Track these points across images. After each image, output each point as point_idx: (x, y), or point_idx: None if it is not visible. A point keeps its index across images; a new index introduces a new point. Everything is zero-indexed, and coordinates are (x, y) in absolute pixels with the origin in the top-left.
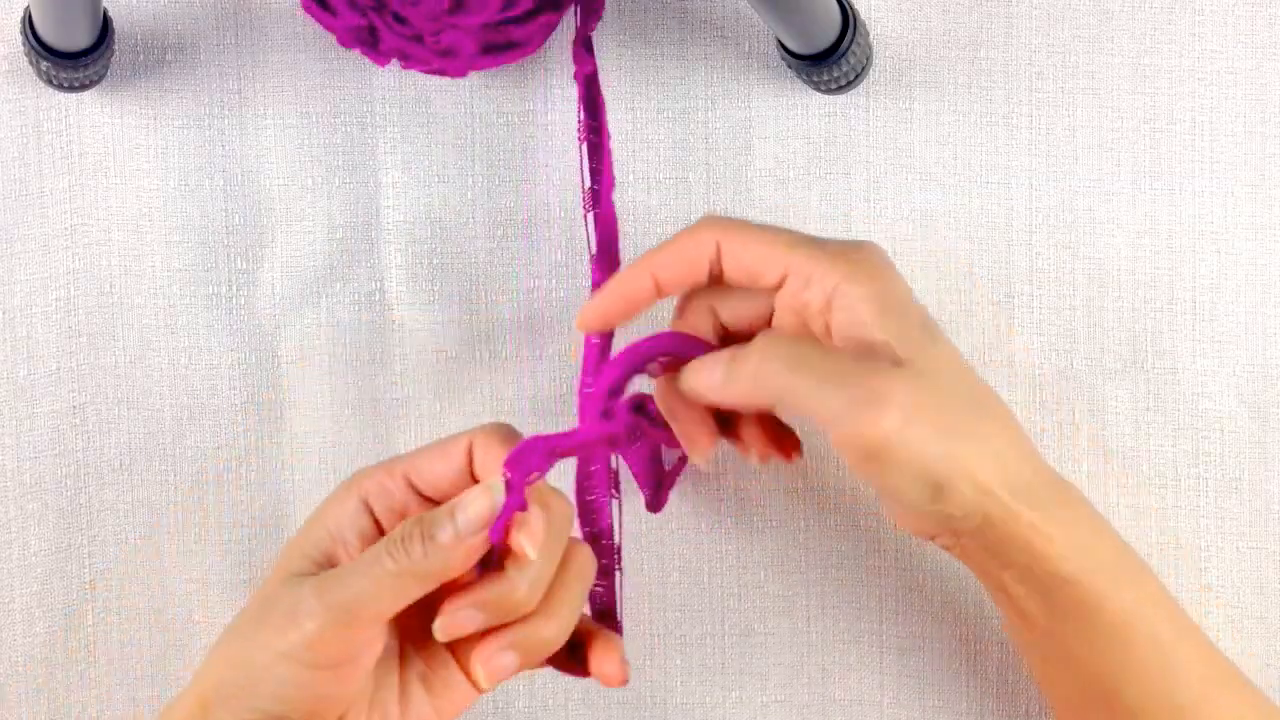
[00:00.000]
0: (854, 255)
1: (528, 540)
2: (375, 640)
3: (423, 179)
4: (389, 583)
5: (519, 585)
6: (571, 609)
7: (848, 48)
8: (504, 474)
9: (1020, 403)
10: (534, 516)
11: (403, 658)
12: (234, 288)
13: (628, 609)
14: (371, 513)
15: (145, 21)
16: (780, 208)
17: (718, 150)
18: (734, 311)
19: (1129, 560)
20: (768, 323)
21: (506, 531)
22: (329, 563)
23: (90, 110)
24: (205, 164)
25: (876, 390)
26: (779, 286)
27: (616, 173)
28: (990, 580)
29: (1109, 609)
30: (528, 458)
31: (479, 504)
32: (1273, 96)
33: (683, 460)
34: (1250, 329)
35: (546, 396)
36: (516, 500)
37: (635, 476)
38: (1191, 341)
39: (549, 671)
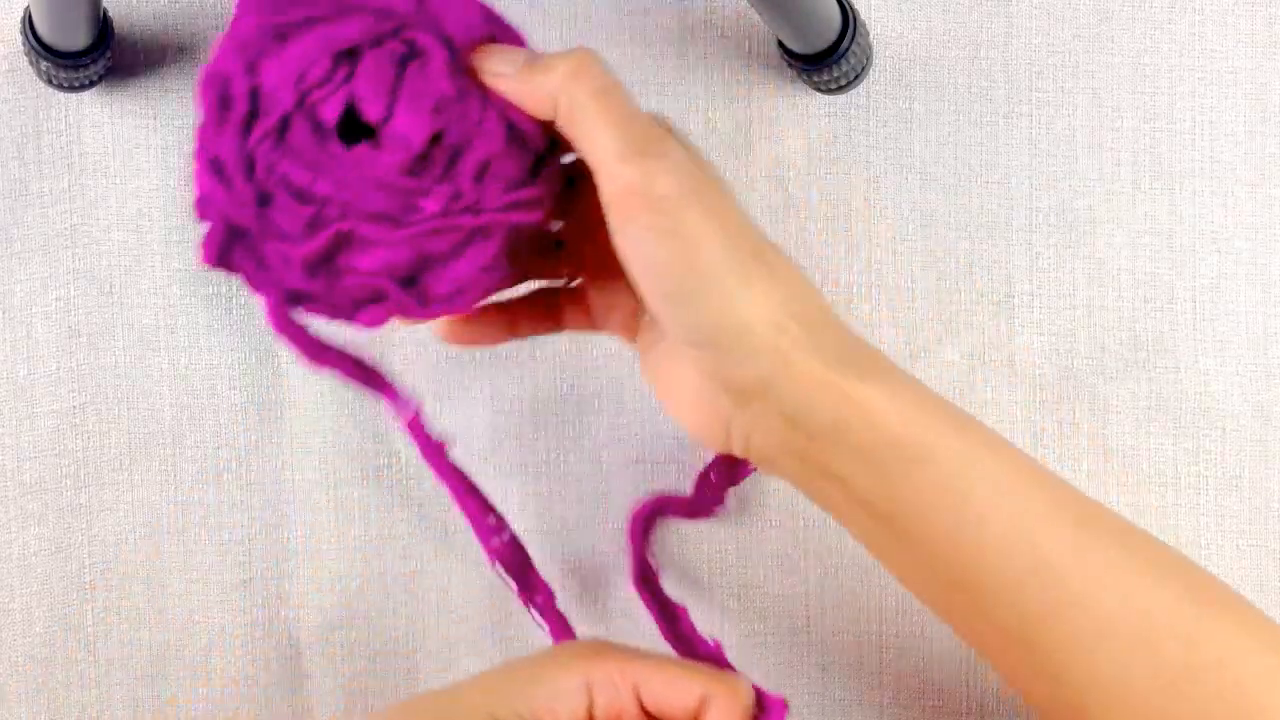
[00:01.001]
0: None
1: None
2: None
3: None
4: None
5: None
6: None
7: (848, 48)
8: None
9: (1020, 403)
10: None
11: None
12: (234, 288)
13: (626, 608)
14: (590, 696)
15: (145, 21)
16: (780, 208)
17: (718, 150)
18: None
19: (951, 411)
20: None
21: None
22: None
23: (90, 110)
24: None
25: (660, 145)
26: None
27: None
28: (815, 476)
29: (940, 459)
30: None
31: None
32: (1273, 96)
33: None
34: (1250, 328)
35: (546, 397)
36: None
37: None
38: (1192, 341)
39: None
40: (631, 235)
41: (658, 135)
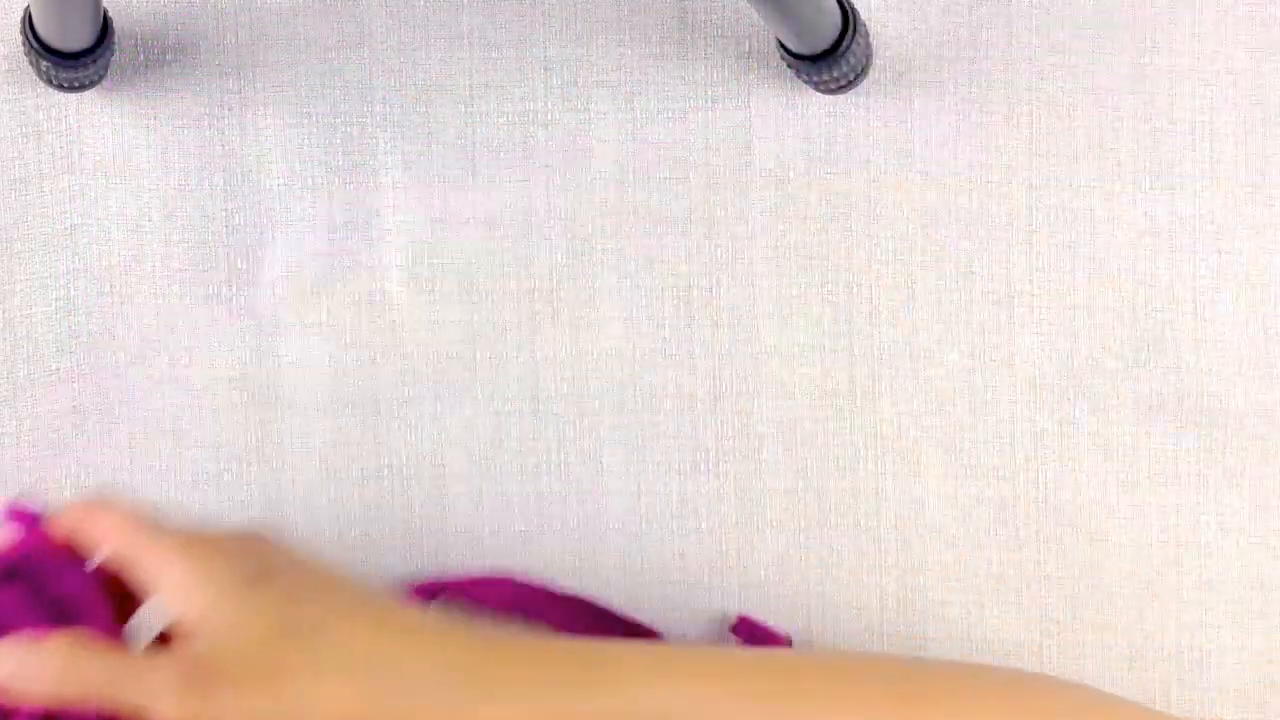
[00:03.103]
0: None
1: None
2: None
3: (423, 179)
4: None
5: None
6: None
7: (848, 48)
8: None
9: (1020, 402)
10: None
11: None
12: (234, 288)
13: (625, 608)
14: None
15: (145, 21)
16: (780, 208)
17: (718, 150)
18: None
19: None
20: None
21: None
22: None
23: (90, 110)
24: (205, 164)
25: (151, 685)
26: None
27: (616, 172)
28: None
29: None
30: None
31: None
32: (1273, 96)
33: None
34: (1250, 328)
35: (547, 397)
36: None
37: None
38: (1192, 341)
39: None
40: None
41: (149, 668)
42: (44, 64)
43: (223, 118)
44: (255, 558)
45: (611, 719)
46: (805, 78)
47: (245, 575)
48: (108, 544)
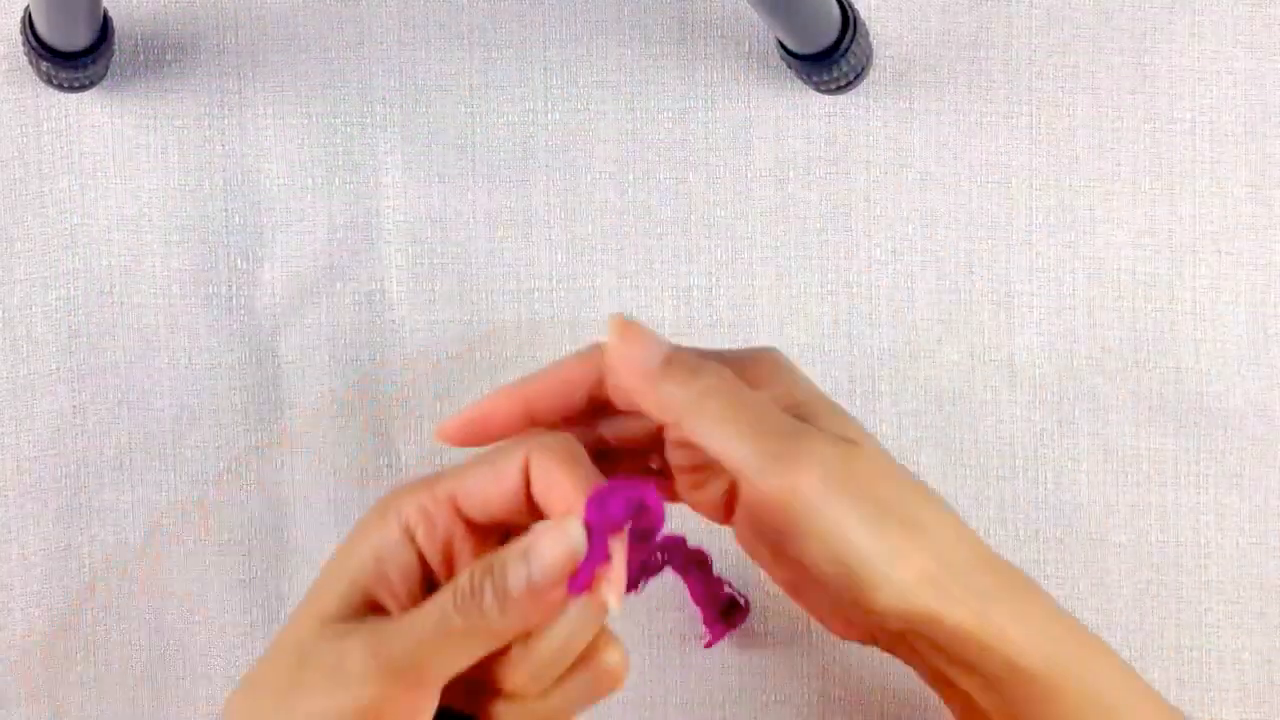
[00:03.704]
0: (754, 358)
1: (612, 591)
2: (435, 697)
3: (423, 179)
4: (457, 641)
5: (542, 652)
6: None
7: (848, 48)
8: (584, 520)
9: (1020, 402)
10: (616, 566)
11: None
12: (234, 288)
13: (625, 608)
14: (414, 543)
15: (145, 21)
16: (780, 208)
17: (718, 150)
18: (619, 430)
19: (1082, 642)
20: (655, 440)
21: (590, 585)
22: (369, 606)
23: (90, 110)
24: (205, 164)
25: (796, 445)
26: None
27: (616, 171)
28: (936, 677)
29: (1068, 695)
30: (611, 504)
31: (557, 550)
32: (1273, 96)
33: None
34: (1251, 328)
35: None
36: (600, 550)
37: (698, 604)
38: (1192, 341)
39: None
40: (773, 550)
41: (789, 434)
42: (44, 64)
43: (223, 118)
44: None
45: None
46: (805, 78)
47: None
48: None
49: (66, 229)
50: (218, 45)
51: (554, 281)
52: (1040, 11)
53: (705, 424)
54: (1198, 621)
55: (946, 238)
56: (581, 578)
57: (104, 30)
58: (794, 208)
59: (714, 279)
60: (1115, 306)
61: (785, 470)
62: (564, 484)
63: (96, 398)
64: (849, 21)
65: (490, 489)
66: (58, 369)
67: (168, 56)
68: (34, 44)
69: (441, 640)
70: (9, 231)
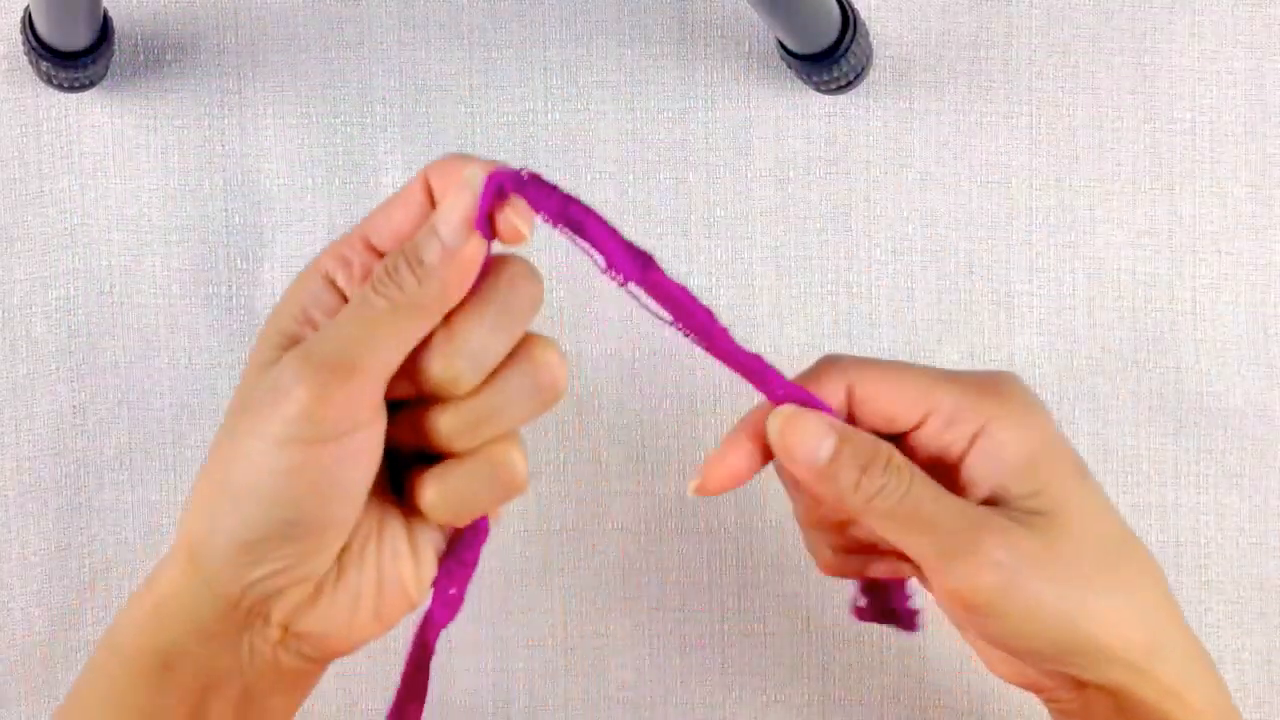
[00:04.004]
0: (1002, 390)
1: (519, 219)
2: (376, 400)
3: None
4: (383, 324)
5: (433, 359)
6: (500, 402)
7: (848, 48)
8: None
9: None
10: (518, 202)
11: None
12: (234, 288)
13: (625, 608)
14: (336, 287)
15: (145, 21)
16: (780, 208)
17: (718, 150)
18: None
19: (1228, 705)
20: None
21: (493, 223)
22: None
23: (90, 110)
24: (205, 164)
25: (974, 541)
26: (917, 428)
27: (616, 171)
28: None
29: None
30: (505, 175)
31: (460, 202)
32: (1273, 96)
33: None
34: (1250, 328)
35: None
36: (496, 182)
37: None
38: (1192, 341)
39: (550, 672)
40: (974, 630)
41: (966, 529)
42: (44, 64)
43: (223, 118)
44: None
45: None
46: (805, 78)
47: None
48: None
49: (66, 229)
50: (218, 45)
51: (553, 281)
52: (1040, 11)
53: (880, 522)
54: (1198, 621)
55: (946, 238)
56: (481, 217)
57: (104, 30)
58: (794, 208)
59: (714, 279)
60: (1115, 306)
61: (966, 568)
62: (459, 171)
63: (96, 398)
64: (849, 21)
65: (398, 215)
66: (58, 369)
67: (168, 56)
68: (34, 44)
69: (365, 327)
70: (9, 231)
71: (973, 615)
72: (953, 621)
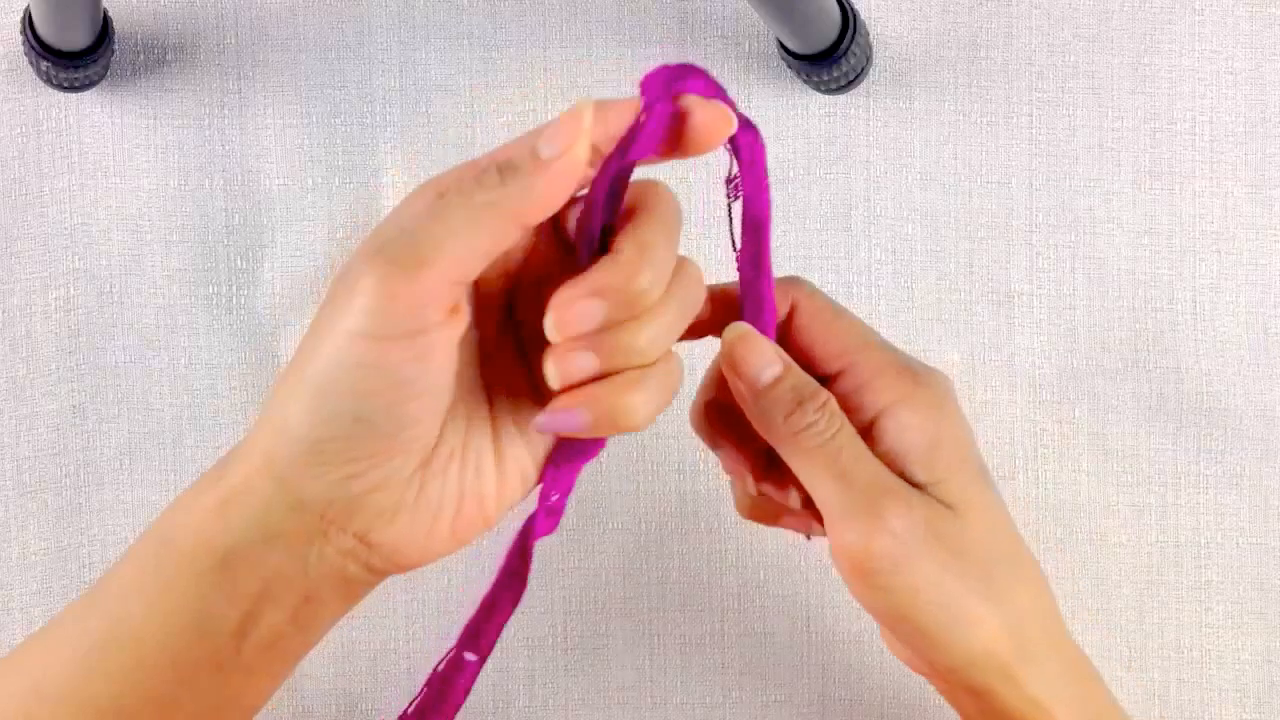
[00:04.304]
0: (923, 380)
1: (719, 118)
2: (448, 301)
3: (422, 179)
4: (460, 223)
5: (641, 270)
6: (677, 316)
7: (848, 48)
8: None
9: (1020, 402)
10: (714, 105)
11: (493, 409)
12: (234, 288)
13: (625, 608)
14: None
15: (145, 21)
16: (780, 208)
17: (718, 150)
18: None
19: None
20: None
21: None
22: None
23: (90, 110)
24: (205, 164)
25: (879, 504)
26: (834, 378)
27: None
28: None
29: None
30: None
31: (564, 126)
32: (1273, 96)
33: None
34: (1250, 328)
35: None
36: (657, 100)
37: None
38: (1192, 341)
39: (548, 671)
40: (854, 590)
41: (878, 491)
42: (44, 64)
43: (223, 118)
44: None
45: None
46: (805, 78)
47: None
48: None
49: (66, 229)
50: (218, 45)
51: None
52: (1040, 12)
53: (799, 460)
54: (1198, 622)
55: (946, 238)
56: (639, 138)
57: (104, 30)
58: (794, 208)
59: (714, 279)
60: (1115, 306)
61: (864, 527)
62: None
63: (96, 398)
64: (849, 21)
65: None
66: (58, 369)
67: (168, 56)
68: (34, 44)
69: (441, 223)
70: (9, 231)
71: (858, 579)
72: (848, 586)
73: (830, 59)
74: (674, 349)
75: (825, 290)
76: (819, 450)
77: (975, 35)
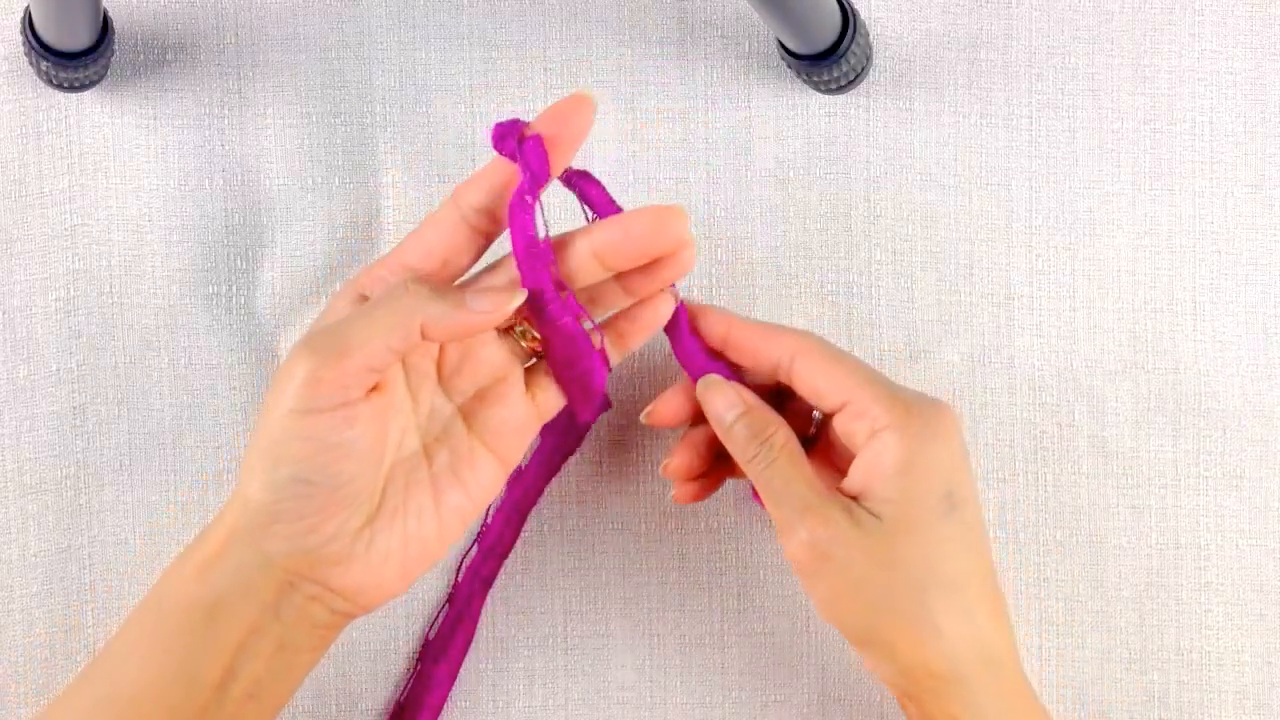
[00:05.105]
0: (916, 411)
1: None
2: (368, 380)
3: (423, 179)
4: (378, 327)
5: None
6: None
7: (848, 48)
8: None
9: (1020, 403)
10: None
11: (432, 465)
12: (234, 288)
13: (625, 608)
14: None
15: (145, 21)
16: (780, 208)
17: (718, 150)
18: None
19: None
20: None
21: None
22: None
23: (90, 110)
24: (205, 164)
25: (794, 522)
26: (838, 411)
27: (616, 171)
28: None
29: None
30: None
31: (498, 298)
32: (1273, 97)
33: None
34: (1250, 328)
35: None
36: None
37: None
38: (1192, 342)
39: (548, 671)
40: (805, 585)
41: (801, 507)
42: (44, 64)
43: (223, 118)
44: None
45: None
46: (805, 78)
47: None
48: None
49: (66, 229)
50: (218, 45)
51: None
52: (1040, 12)
53: (752, 479)
54: (1197, 623)
55: (946, 238)
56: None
57: (104, 30)
58: (794, 208)
59: (714, 279)
60: (1115, 307)
61: (786, 540)
62: (487, 181)
63: (96, 398)
64: (849, 21)
65: (430, 236)
66: (58, 370)
67: (168, 56)
68: (34, 44)
69: (360, 318)
70: (9, 232)
71: (800, 579)
72: None
73: (830, 59)
74: None
75: (825, 290)
76: (759, 475)
77: (975, 36)
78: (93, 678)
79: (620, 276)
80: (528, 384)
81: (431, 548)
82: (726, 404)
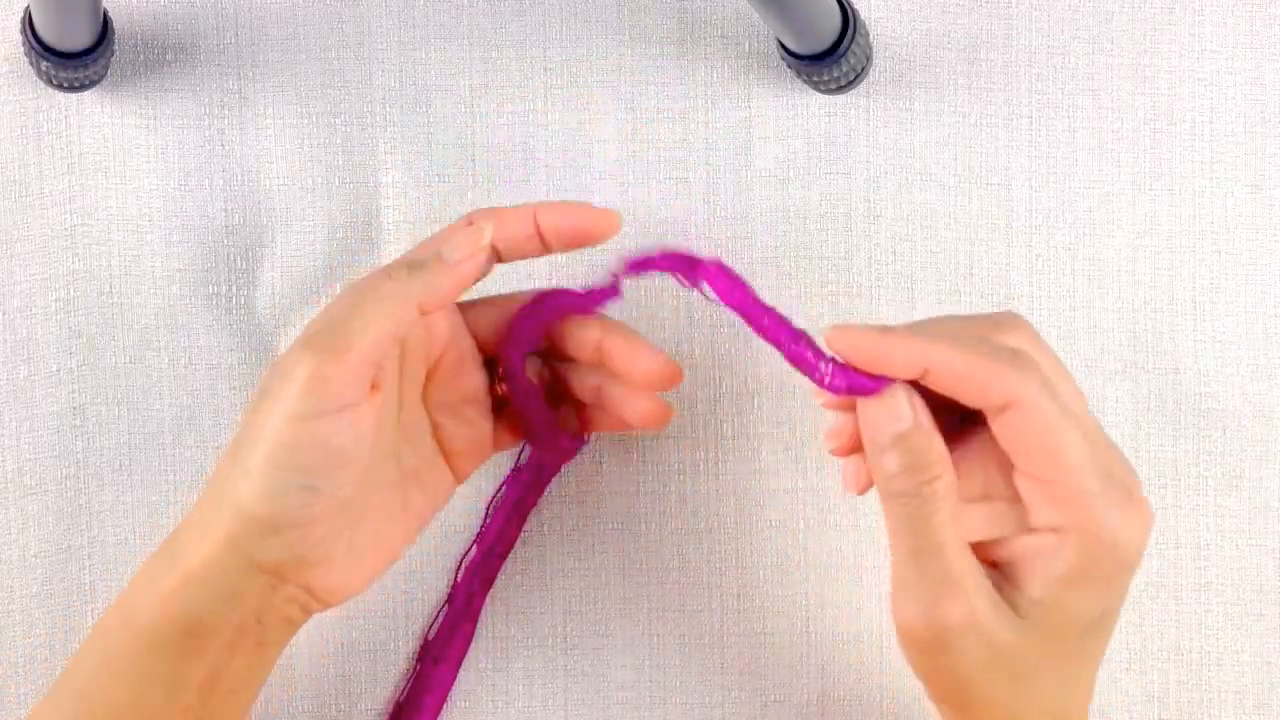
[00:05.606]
0: (1116, 517)
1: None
2: (368, 378)
3: (423, 179)
4: (371, 313)
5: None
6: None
7: (848, 48)
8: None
9: None
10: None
11: (400, 467)
12: (234, 288)
13: (625, 608)
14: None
15: (145, 21)
16: (780, 208)
17: (718, 150)
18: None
19: None
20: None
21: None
22: None
23: (90, 110)
24: (205, 164)
25: (932, 601)
26: (1043, 481)
27: (616, 171)
28: None
29: None
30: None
31: (468, 236)
32: (1273, 97)
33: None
34: (1250, 328)
35: None
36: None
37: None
38: (1192, 342)
39: (548, 671)
40: (905, 651)
41: (939, 579)
42: (44, 64)
43: (223, 118)
44: None
45: None
46: (805, 78)
47: None
48: None
49: (66, 229)
50: (218, 45)
51: (554, 282)
52: (1040, 12)
53: (885, 506)
54: (1197, 623)
55: (946, 238)
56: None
57: (104, 30)
58: (794, 208)
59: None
60: (1115, 307)
61: (905, 609)
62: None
63: (96, 398)
64: (849, 21)
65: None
66: (58, 370)
67: (168, 56)
68: (34, 44)
69: (360, 311)
70: (9, 232)
71: (904, 645)
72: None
73: (830, 59)
74: None
75: (824, 291)
76: (899, 514)
77: (975, 36)
78: (60, 699)
79: (613, 371)
80: (497, 416)
81: (396, 549)
82: (892, 423)
